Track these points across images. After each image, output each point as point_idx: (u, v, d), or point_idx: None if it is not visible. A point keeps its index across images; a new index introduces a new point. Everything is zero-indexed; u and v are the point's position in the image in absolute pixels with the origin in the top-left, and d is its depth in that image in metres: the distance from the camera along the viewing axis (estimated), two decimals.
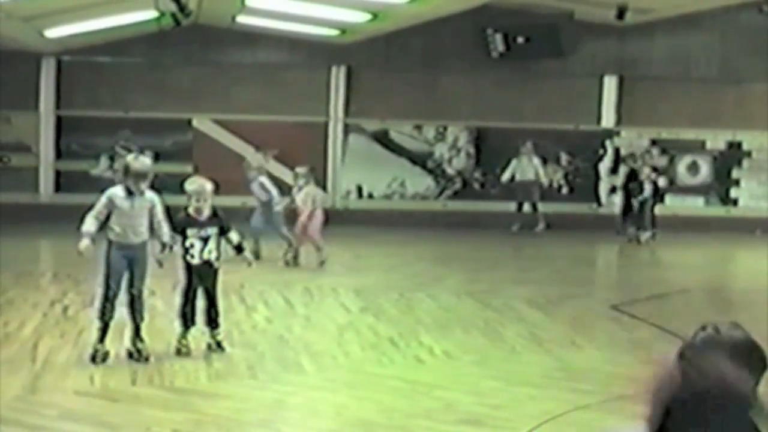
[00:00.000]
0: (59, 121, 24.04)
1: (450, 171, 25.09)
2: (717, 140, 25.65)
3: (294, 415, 8.51)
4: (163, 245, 10.09)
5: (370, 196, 24.92)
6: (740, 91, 25.25)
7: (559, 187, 25.16)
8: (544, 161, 23.69)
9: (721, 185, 25.77)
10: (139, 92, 24.00)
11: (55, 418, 8.05)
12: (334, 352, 10.57)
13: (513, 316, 13.06)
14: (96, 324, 9.93)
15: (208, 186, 10.43)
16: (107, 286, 9.84)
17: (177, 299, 10.49)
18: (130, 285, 9.88)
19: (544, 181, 23.51)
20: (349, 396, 8.92)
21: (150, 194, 10.00)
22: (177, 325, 10.30)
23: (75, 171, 24.01)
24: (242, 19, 22.24)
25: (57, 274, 16.07)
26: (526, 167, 23.02)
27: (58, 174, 24.15)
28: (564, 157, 25.20)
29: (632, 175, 23.38)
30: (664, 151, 25.60)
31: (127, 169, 9.89)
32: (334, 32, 22.96)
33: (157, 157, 24.12)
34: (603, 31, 23.99)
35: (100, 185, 23.63)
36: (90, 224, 9.76)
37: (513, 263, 19.28)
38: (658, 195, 23.22)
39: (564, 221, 23.40)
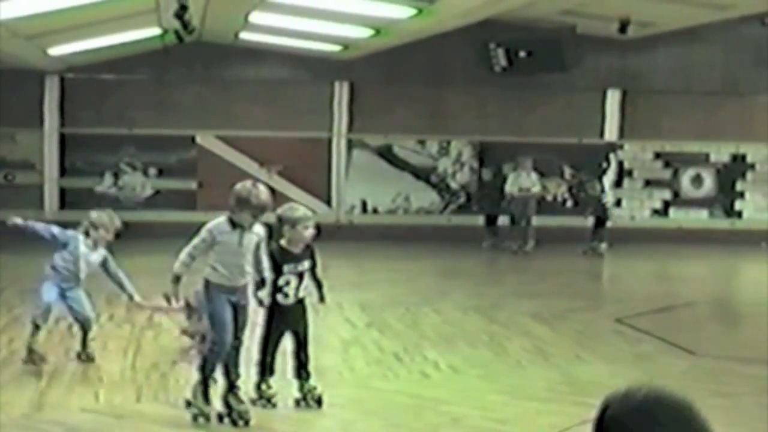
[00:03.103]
0: (63, 138, 24.08)
1: (454, 185, 25.11)
2: (721, 153, 25.67)
3: (299, 431, 8.50)
4: (263, 281, 8.75)
5: (375, 210, 24.93)
6: (743, 104, 25.27)
7: (564, 201, 25.19)
8: (541, 175, 23.49)
9: (726, 198, 25.78)
10: (142, 109, 24.04)
11: None
12: (340, 368, 10.57)
13: (518, 330, 13.06)
14: (195, 377, 8.69)
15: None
16: (215, 340, 8.53)
17: (257, 347, 9.14)
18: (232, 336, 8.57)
19: (534, 192, 23.03)
20: (354, 411, 8.91)
21: (257, 226, 8.56)
22: (253, 374, 9.09)
23: (80, 188, 24.04)
24: (245, 35, 22.28)
25: None
26: (524, 182, 22.88)
27: (62, 191, 24.19)
28: (567, 171, 25.23)
29: (486, 186, 23.95)
30: (667, 164, 25.63)
31: (243, 201, 8.37)
32: (336, 48, 22.99)
33: (161, 174, 24.32)
34: (605, 45, 24.03)
35: (105, 202, 23.92)
36: (182, 266, 8.47)
37: (517, 277, 19.28)
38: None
39: (568, 235, 23.38)
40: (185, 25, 18.01)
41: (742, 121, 25.22)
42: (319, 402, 8.95)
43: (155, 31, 20.59)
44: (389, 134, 24.79)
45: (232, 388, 8.58)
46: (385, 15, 18.46)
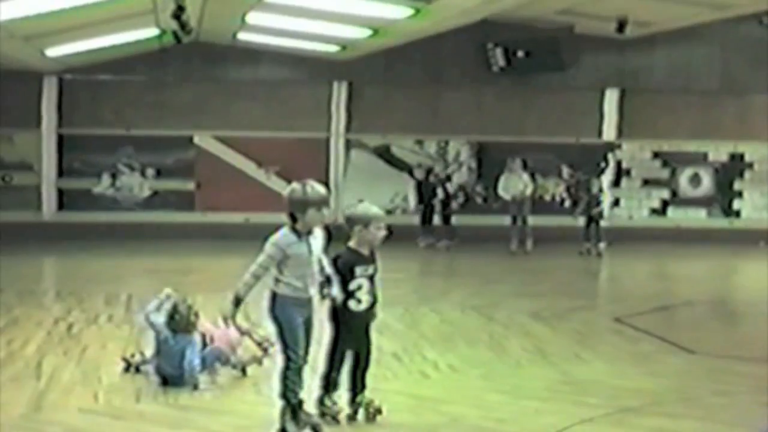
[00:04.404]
0: (61, 139, 24.07)
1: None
2: (719, 152, 25.70)
3: None
4: (328, 279, 8.07)
5: None
6: (741, 103, 25.29)
7: (562, 201, 25.20)
8: (532, 176, 23.35)
9: (724, 197, 25.80)
10: (140, 110, 24.04)
11: None
12: None
13: (517, 330, 13.03)
14: (280, 404, 7.98)
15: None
16: (291, 357, 7.84)
17: (323, 358, 8.37)
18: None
19: (527, 194, 22.81)
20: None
21: (316, 230, 7.97)
22: (315, 388, 8.35)
23: (77, 189, 24.06)
24: (243, 36, 22.28)
25: (60, 292, 16.07)
26: (517, 183, 22.70)
27: (60, 192, 24.18)
28: (566, 171, 25.23)
29: (421, 185, 23.88)
30: (665, 164, 25.63)
31: (303, 202, 7.81)
32: (334, 48, 22.98)
33: (158, 174, 24.31)
34: (603, 45, 24.02)
35: (103, 203, 23.94)
36: (247, 287, 7.71)
37: (516, 276, 19.26)
38: (450, 202, 23.80)
39: (566, 234, 23.35)
40: (183, 26, 18.02)
41: (740, 121, 25.25)
42: (378, 411, 8.38)
43: (153, 31, 20.59)
44: (387, 134, 24.79)
45: (301, 404, 8.03)
46: (382, 15, 18.46)
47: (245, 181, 24.32)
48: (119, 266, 19.64)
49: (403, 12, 17.91)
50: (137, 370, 10.01)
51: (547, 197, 25.13)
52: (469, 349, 11.74)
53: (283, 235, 7.79)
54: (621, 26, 21.52)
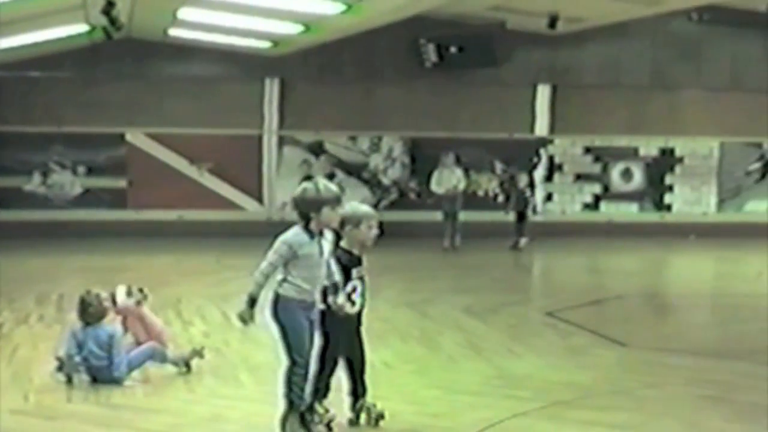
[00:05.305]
0: None
1: (386, 181, 25.14)
2: (649, 147, 25.95)
3: (231, 428, 8.44)
4: (335, 286, 7.87)
5: None
6: (671, 98, 25.58)
7: (495, 196, 25.30)
8: (465, 171, 23.38)
9: (655, 191, 26.08)
10: (71, 107, 23.79)
11: None
12: (273, 365, 10.48)
13: (451, 325, 13.09)
14: (285, 411, 7.88)
15: None
16: (296, 361, 7.75)
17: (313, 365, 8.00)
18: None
19: (460, 189, 22.70)
20: None
21: (327, 232, 7.81)
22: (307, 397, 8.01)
23: (8, 187, 23.75)
24: (174, 32, 22.12)
25: None
26: (450, 177, 22.71)
27: None
28: (499, 166, 25.34)
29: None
30: (597, 159, 25.83)
31: (317, 201, 7.59)
32: (266, 44, 22.90)
33: (90, 172, 24.07)
34: (535, 41, 24.17)
35: (34, 201, 23.64)
36: (258, 287, 7.57)
37: (450, 272, 19.32)
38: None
39: (499, 230, 23.45)
40: (113, 22, 17.86)
41: (670, 116, 25.56)
42: (381, 416, 8.27)
43: (83, 27, 20.38)
44: (320, 131, 24.76)
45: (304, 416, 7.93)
46: (314, 11, 18.43)
47: (178, 179, 24.18)
48: (51, 265, 19.44)
49: (335, 8, 17.89)
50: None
51: (480, 192, 25.23)
52: (402, 345, 11.78)
53: (295, 234, 7.60)
54: (552, 22, 21.65)
